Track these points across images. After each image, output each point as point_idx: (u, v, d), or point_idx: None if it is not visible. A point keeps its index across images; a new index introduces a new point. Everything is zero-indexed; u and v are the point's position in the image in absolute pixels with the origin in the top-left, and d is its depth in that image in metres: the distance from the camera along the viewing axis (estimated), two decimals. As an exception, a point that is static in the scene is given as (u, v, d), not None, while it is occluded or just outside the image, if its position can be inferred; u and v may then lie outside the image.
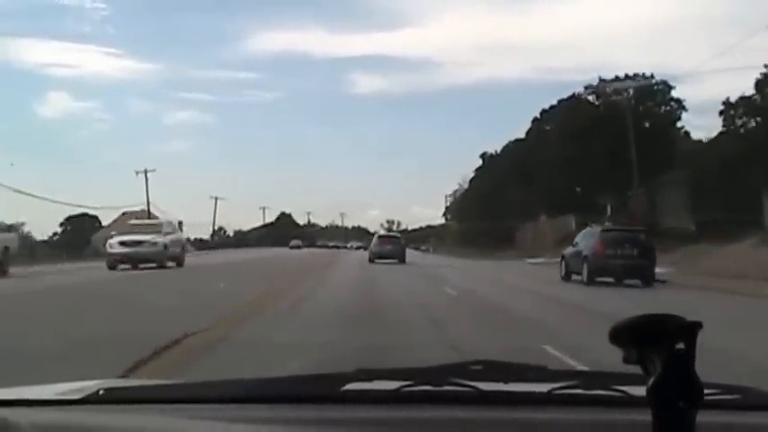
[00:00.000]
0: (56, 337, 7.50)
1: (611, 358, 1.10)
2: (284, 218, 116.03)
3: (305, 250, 67.34)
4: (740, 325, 10.83)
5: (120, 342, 7.08)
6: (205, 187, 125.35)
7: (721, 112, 41.59)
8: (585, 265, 20.90)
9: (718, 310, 13.46)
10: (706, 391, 0.99)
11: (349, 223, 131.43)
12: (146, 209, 64.22)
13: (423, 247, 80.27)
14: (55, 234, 76.05)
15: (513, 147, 61.64)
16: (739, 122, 41.04)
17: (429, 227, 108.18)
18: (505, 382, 1.57)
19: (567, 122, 49.60)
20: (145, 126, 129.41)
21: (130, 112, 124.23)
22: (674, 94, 50.63)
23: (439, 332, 9.17)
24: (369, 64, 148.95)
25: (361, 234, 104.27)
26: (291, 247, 72.30)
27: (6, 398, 1.55)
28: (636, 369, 1.00)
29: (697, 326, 0.96)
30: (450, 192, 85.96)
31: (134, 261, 24.64)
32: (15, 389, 1.66)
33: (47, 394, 1.61)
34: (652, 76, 49.68)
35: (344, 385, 1.57)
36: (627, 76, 49.64)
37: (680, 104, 50.85)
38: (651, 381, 0.96)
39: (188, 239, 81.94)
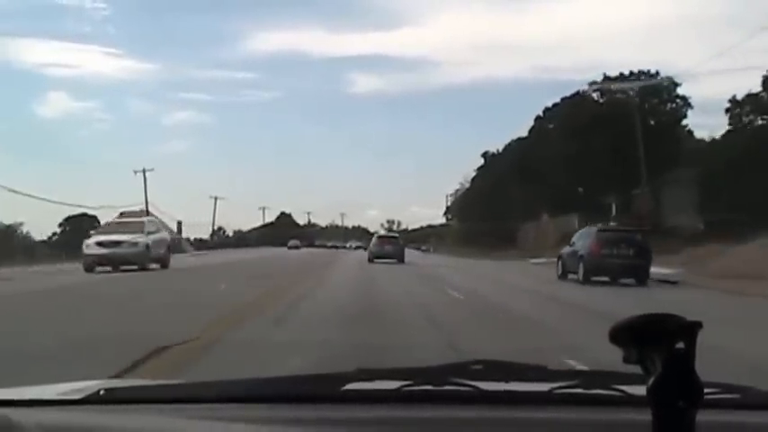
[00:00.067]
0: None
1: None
2: (284, 218, 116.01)
3: (303, 250, 67.20)
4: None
5: (71, 359, 6.11)
6: (204, 187, 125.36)
7: (727, 110, 41.40)
8: (581, 265, 21.19)
9: (740, 312, 13.26)
10: (706, 391, 1.00)
11: (349, 223, 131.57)
12: (145, 209, 64.30)
13: (423, 247, 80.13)
14: (54, 234, 76.00)
15: (515, 145, 61.07)
16: (746, 120, 40.81)
17: (429, 226, 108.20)
18: (506, 382, 1.58)
19: (571, 120, 48.94)
20: (144, 126, 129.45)
21: (130, 112, 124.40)
22: (678, 91, 49.68)
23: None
24: (366, 63, 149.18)
25: (361, 234, 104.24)
26: (290, 248, 71.80)
27: (7, 398, 1.56)
28: (636, 369, 1.01)
29: (697, 325, 0.97)
30: (451, 191, 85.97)
31: (112, 263, 22.86)
32: (16, 389, 1.67)
33: (48, 394, 1.62)
34: (657, 74, 48.68)
35: (345, 385, 1.58)
36: (632, 73, 48.76)
37: (685, 102, 49.83)
38: (651, 380, 0.97)
39: (188, 239, 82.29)
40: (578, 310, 13.13)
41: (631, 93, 48.04)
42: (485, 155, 69.66)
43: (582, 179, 46.35)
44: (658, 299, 15.93)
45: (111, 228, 25.03)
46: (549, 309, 13.26)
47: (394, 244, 35.90)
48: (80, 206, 74.68)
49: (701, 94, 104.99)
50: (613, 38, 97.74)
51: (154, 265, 24.03)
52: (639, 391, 1.06)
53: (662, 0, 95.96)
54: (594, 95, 51.84)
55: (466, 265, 33.66)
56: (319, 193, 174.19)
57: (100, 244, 23.33)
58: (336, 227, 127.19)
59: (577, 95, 52.57)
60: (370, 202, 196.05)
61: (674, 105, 50.14)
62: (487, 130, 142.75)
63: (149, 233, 24.42)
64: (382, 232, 61.10)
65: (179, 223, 78.72)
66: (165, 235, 26.57)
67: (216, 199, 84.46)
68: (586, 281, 20.72)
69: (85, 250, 23.54)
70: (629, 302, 14.04)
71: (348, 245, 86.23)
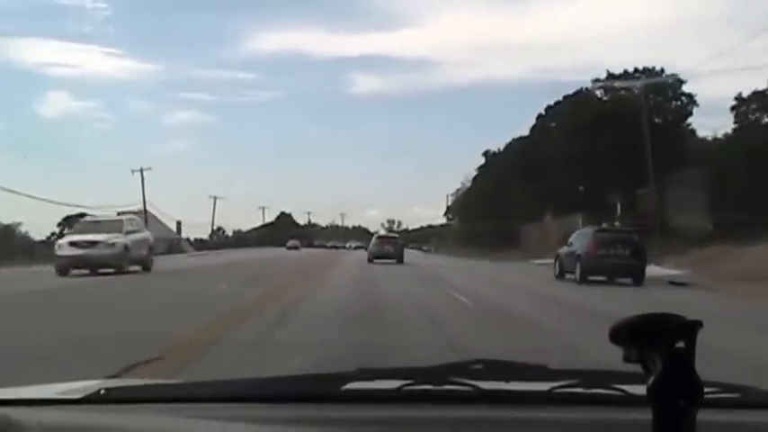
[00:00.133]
0: None
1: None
2: (284, 218, 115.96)
3: (303, 251, 67.05)
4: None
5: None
6: (205, 187, 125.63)
7: (733, 108, 41.25)
8: (578, 265, 21.55)
9: (758, 316, 12.95)
10: (706, 390, 1.00)
11: (349, 223, 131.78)
12: (145, 208, 64.24)
13: (425, 248, 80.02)
14: (53, 234, 76.00)
15: (517, 144, 60.67)
16: (752, 118, 40.59)
17: (430, 227, 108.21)
18: (506, 381, 1.59)
19: (574, 118, 48.32)
20: (145, 126, 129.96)
21: (130, 112, 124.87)
22: (683, 89, 49.04)
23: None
24: (367, 64, 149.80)
25: (362, 234, 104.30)
26: (288, 248, 71.29)
27: (7, 397, 1.57)
28: (636, 368, 1.01)
29: (697, 324, 0.98)
30: (452, 191, 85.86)
31: (88, 265, 21.03)
32: (16, 388, 1.67)
33: (48, 393, 1.62)
34: (662, 71, 48.08)
35: (345, 384, 1.59)
36: (636, 70, 48.22)
37: (691, 99, 49.30)
38: (651, 379, 0.98)
39: (188, 239, 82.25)
40: (600, 317, 12.74)
41: (636, 91, 47.68)
42: (486, 154, 69.41)
43: (585, 178, 45.89)
44: (672, 301, 15.29)
45: (88, 227, 23.12)
46: (573, 317, 12.48)
47: (393, 244, 36.31)
48: (78, 206, 74.82)
49: (702, 95, 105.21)
50: (614, 39, 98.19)
51: (136, 268, 22.48)
52: (640, 390, 1.07)
53: (662, 1, 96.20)
54: (598, 93, 51.36)
55: (468, 267, 33.49)
56: (320, 193, 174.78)
57: (73, 244, 21.60)
58: (337, 227, 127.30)
59: (580, 93, 52.00)
60: (370, 202, 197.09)
61: (678, 103, 49.52)
62: (488, 131, 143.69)
63: (128, 233, 22.70)
64: (382, 232, 61.17)
65: (178, 223, 78.83)
66: (146, 235, 24.68)
67: (215, 198, 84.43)
68: (583, 280, 21.06)
69: (58, 251, 21.78)
70: (643, 306, 13.38)
71: (348, 245, 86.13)
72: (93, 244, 21.35)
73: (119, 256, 21.59)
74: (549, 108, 56.09)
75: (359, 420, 1.47)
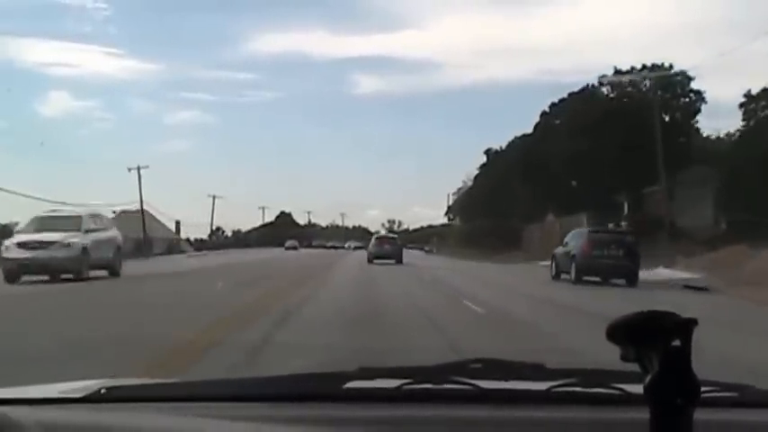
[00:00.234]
0: None
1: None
2: (284, 217, 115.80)
3: (302, 251, 66.81)
4: None
5: None
6: (205, 187, 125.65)
7: (741, 105, 41.02)
8: (573, 265, 22.03)
9: None
10: (703, 389, 1.02)
11: (349, 223, 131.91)
12: (142, 208, 64.16)
13: (426, 248, 79.86)
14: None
15: (520, 142, 59.85)
16: (761, 115, 40.25)
17: (430, 227, 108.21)
18: (505, 380, 1.61)
19: (580, 116, 47.45)
20: (145, 126, 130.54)
21: (131, 112, 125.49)
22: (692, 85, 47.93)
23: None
24: (369, 65, 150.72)
25: (362, 234, 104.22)
26: (287, 248, 70.78)
27: (8, 396, 1.57)
28: (634, 367, 1.02)
29: (692, 323, 0.99)
30: (453, 190, 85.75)
31: (39, 270, 17.97)
32: (17, 388, 1.68)
33: (49, 393, 1.63)
34: (671, 67, 47.00)
35: (345, 383, 1.60)
36: (644, 67, 47.24)
37: (699, 96, 48.34)
38: (648, 378, 0.99)
39: (187, 240, 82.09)
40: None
41: (644, 88, 47.15)
42: (488, 152, 69.00)
43: (591, 177, 44.89)
44: (696, 308, 14.04)
45: (42, 224, 19.38)
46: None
47: (392, 244, 37.00)
48: (77, 205, 74.73)
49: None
50: (615, 41, 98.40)
51: (101, 273, 19.55)
52: (637, 389, 1.08)
53: (664, 4, 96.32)
54: (605, 90, 50.62)
55: (472, 269, 33.13)
56: (320, 193, 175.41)
57: (22, 245, 18.31)
58: (337, 227, 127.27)
59: (586, 90, 51.30)
60: (371, 202, 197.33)
61: (687, 100, 48.70)
62: (489, 132, 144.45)
63: (89, 231, 19.29)
64: (383, 232, 61.21)
65: (177, 223, 78.73)
66: (112, 234, 21.16)
67: (214, 198, 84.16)
68: (578, 281, 21.53)
69: (4, 253, 18.41)
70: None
71: (347, 245, 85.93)
72: (44, 245, 18.16)
73: (75, 260, 18.36)
74: (553, 105, 55.16)
75: (359, 419, 1.48)
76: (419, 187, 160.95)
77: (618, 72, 48.40)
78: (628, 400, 1.46)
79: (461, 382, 1.57)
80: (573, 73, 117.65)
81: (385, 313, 11.75)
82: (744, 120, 41.19)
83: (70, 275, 18.04)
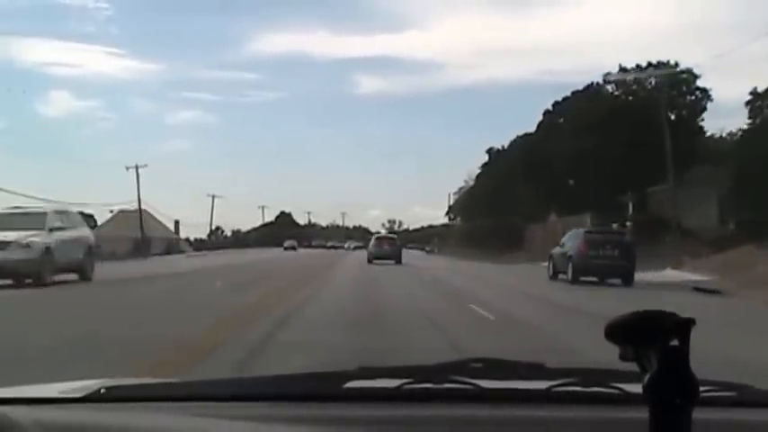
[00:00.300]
0: None
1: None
2: (284, 217, 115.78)
3: (301, 251, 66.66)
4: None
5: None
6: (206, 187, 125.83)
7: (748, 102, 40.94)
8: (570, 265, 22.38)
9: None
10: (702, 389, 1.03)
11: (350, 223, 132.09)
12: (145, 207, 64.15)
13: (427, 248, 79.81)
14: (49, 233, 75.84)
15: (522, 141, 59.75)
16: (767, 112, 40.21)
17: (431, 227, 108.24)
18: (505, 380, 1.63)
19: (584, 114, 47.29)
20: (147, 125, 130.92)
21: (133, 112, 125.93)
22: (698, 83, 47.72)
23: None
24: (371, 65, 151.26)
25: (362, 234, 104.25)
26: (286, 248, 70.36)
27: (7, 396, 1.57)
28: (634, 366, 1.03)
29: (691, 322, 1.00)
30: (454, 190, 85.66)
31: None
32: (17, 387, 1.68)
33: (49, 392, 1.63)
34: (677, 65, 46.64)
35: (346, 383, 1.61)
36: (650, 64, 47.07)
37: (705, 94, 48.23)
38: (647, 378, 1.00)
39: (187, 239, 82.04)
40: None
41: (649, 86, 46.88)
42: (489, 151, 68.86)
43: (595, 176, 44.67)
44: (716, 312, 13.56)
45: (0, 222, 17.27)
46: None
47: (392, 245, 37.54)
48: (75, 204, 74.77)
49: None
50: (617, 42, 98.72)
51: (69, 276, 17.66)
52: (636, 388, 1.09)
53: (664, 4, 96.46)
54: (609, 88, 50.55)
55: (474, 270, 32.81)
56: (321, 193, 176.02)
57: None
58: (337, 227, 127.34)
59: (591, 88, 51.09)
60: (372, 202, 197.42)
61: (693, 98, 48.61)
62: (490, 133, 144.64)
63: (55, 230, 17.27)
64: (383, 232, 61.30)
65: (176, 223, 78.76)
66: (82, 233, 19.05)
67: (213, 198, 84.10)
68: (575, 281, 21.86)
69: None
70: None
71: (346, 245, 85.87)
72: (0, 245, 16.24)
73: (35, 262, 16.29)
74: (556, 104, 54.90)
75: (359, 419, 1.49)
76: (420, 187, 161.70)
77: (623, 70, 48.18)
78: (627, 399, 1.47)
79: (462, 382, 1.58)
80: (574, 73, 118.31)
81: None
82: (750, 118, 41.07)
83: (31, 280, 16.00)
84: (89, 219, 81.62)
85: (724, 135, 49.22)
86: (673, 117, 44.26)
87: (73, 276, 17.82)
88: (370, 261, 34.27)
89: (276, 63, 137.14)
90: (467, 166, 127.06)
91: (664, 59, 47.08)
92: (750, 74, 71.75)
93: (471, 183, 75.52)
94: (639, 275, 23.05)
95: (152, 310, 11.88)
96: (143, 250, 53.98)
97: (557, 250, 24.36)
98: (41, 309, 12.02)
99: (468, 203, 74.47)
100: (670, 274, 24.46)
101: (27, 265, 16.19)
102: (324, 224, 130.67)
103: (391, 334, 9.26)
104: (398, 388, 1.57)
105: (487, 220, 59.66)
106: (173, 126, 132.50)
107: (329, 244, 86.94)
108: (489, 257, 46.13)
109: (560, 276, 23.26)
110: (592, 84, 51.31)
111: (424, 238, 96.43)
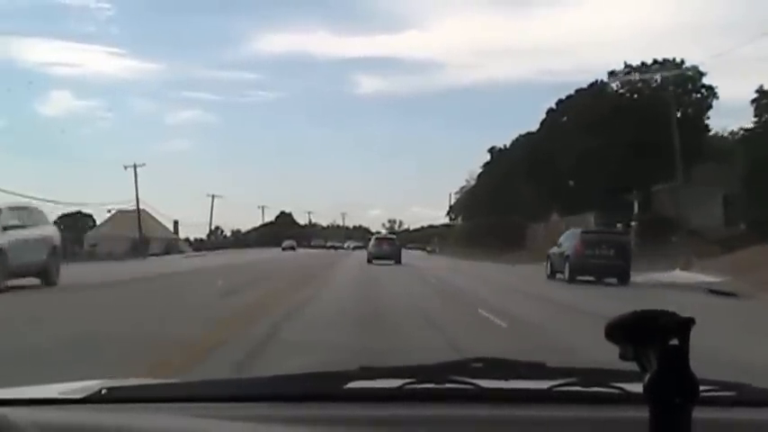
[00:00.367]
0: None
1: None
2: (284, 217, 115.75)
3: (300, 251, 66.51)
4: None
5: None
6: (206, 187, 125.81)
7: (754, 100, 40.81)
8: (567, 265, 22.85)
9: None
10: (702, 388, 1.04)
11: (350, 223, 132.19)
12: (144, 207, 64.11)
13: (428, 248, 79.68)
14: (47, 234, 75.85)
15: (524, 140, 59.59)
16: None
17: (431, 227, 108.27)
18: (506, 380, 1.63)
19: (588, 112, 47.00)
20: (147, 125, 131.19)
21: (133, 112, 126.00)
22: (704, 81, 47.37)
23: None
24: (371, 65, 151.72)
25: (363, 234, 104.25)
26: (284, 248, 69.88)
27: (8, 397, 1.58)
28: (634, 366, 1.04)
29: (690, 322, 1.01)
30: (455, 189, 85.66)
31: None
32: (17, 388, 1.68)
33: (49, 393, 1.63)
34: (682, 62, 46.73)
35: (346, 383, 1.62)
36: (655, 62, 47.07)
37: (711, 92, 47.98)
38: (647, 377, 1.00)
39: (187, 240, 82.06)
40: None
41: (654, 84, 46.66)
42: (491, 150, 68.78)
43: (599, 175, 44.37)
44: (738, 317, 13.24)
45: None
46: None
47: (391, 245, 38.11)
48: (73, 204, 74.79)
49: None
50: (617, 42, 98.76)
51: (32, 281, 15.80)
52: (637, 388, 1.10)
53: (665, 4, 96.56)
54: (614, 86, 50.32)
55: (476, 270, 32.52)
56: (321, 192, 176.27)
57: None
58: (337, 227, 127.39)
59: (595, 86, 50.92)
60: (372, 202, 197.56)
61: (698, 96, 48.37)
62: (490, 132, 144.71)
63: (10, 228, 15.39)
64: (383, 232, 61.40)
65: (175, 222, 78.82)
66: (44, 232, 16.94)
67: (213, 198, 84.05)
68: (572, 280, 22.28)
69: None
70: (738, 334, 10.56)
71: (346, 245, 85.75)
72: None
73: None
74: (560, 102, 54.58)
75: (360, 419, 1.50)
76: (420, 187, 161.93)
77: (628, 68, 48.12)
78: (627, 399, 1.48)
79: (462, 382, 1.59)
80: (574, 73, 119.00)
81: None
82: (756, 116, 40.90)
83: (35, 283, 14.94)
84: (87, 218, 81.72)
85: (725, 134, 49.13)
86: (678, 115, 43.87)
87: (35, 281, 15.87)
88: (369, 261, 34.53)
89: (276, 63, 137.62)
90: (467, 165, 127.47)
91: (665, 58, 47.04)
92: (750, 73, 71.76)
93: (473, 182, 75.56)
94: (648, 276, 23.26)
95: (112, 324, 9.35)
96: (141, 250, 53.95)
97: (554, 250, 24.77)
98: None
99: (470, 203, 74.46)
100: (680, 275, 24.13)
101: None
102: (324, 224, 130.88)
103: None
104: (399, 388, 1.58)
105: (489, 219, 59.57)
106: (173, 126, 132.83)
107: (328, 244, 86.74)
108: (491, 257, 46.04)
109: (558, 276, 23.60)
110: (596, 81, 51.27)
111: (425, 237, 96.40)
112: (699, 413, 1.03)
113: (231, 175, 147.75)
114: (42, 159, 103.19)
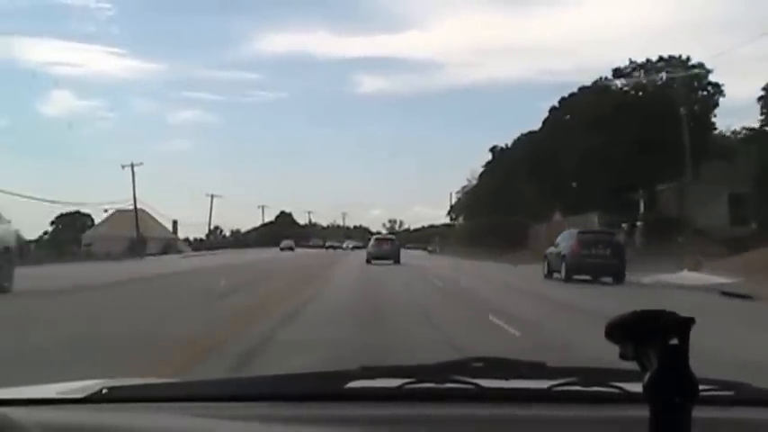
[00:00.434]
0: None
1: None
2: (284, 217, 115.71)
3: (298, 251, 66.38)
4: None
5: None
6: (206, 187, 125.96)
7: (760, 98, 40.71)
8: (564, 264, 23.42)
9: None
10: (701, 387, 1.05)
11: (351, 223, 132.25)
12: (143, 207, 64.12)
13: (429, 248, 79.55)
14: (45, 233, 76.01)
15: (527, 139, 59.30)
16: None
17: (432, 226, 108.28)
18: (506, 379, 1.65)
19: (593, 110, 46.39)
20: (148, 125, 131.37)
21: (134, 111, 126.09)
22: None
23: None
24: (371, 65, 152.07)
25: (363, 234, 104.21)
26: (282, 249, 69.57)
27: (8, 397, 1.59)
28: (634, 365, 1.05)
29: (690, 321, 1.02)
30: (456, 189, 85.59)
31: None
32: (17, 388, 1.69)
33: (49, 393, 1.64)
34: (688, 59, 46.54)
35: (347, 383, 1.64)
36: (660, 59, 46.89)
37: (718, 89, 47.62)
38: (647, 376, 1.01)
39: (186, 239, 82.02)
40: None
41: (659, 81, 46.48)
42: (493, 149, 68.65)
43: (602, 174, 43.93)
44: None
45: None
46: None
47: (391, 245, 38.46)
48: (70, 204, 74.79)
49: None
50: (617, 41, 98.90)
51: None
52: (637, 387, 1.11)
53: (665, 4, 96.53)
54: (618, 83, 49.96)
55: (477, 269, 32.48)
56: (322, 192, 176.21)
57: None
58: (338, 227, 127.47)
59: (598, 83, 50.58)
60: (373, 201, 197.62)
61: (704, 94, 48.13)
62: (490, 132, 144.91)
63: None
64: (384, 232, 61.46)
65: (174, 222, 78.80)
66: (4, 232, 14.75)
67: (212, 197, 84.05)
68: (568, 279, 22.83)
69: None
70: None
71: (345, 245, 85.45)
72: None
73: None
74: (563, 100, 54.11)
75: (361, 418, 1.51)
76: (421, 187, 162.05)
77: (633, 64, 47.91)
78: (627, 398, 1.49)
79: (463, 381, 1.60)
80: (574, 72, 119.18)
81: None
82: (762, 114, 40.80)
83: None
84: (85, 218, 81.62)
85: (728, 134, 49.00)
86: (684, 112, 43.38)
87: None
88: (368, 261, 34.70)
89: (277, 63, 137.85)
90: (467, 165, 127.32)
91: (671, 55, 46.86)
92: (752, 72, 71.63)
93: (474, 182, 75.47)
94: (655, 277, 23.09)
95: (55, 351, 7.16)
96: (138, 250, 53.91)
97: (551, 250, 25.37)
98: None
99: (472, 202, 74.38)
100: (689, 276, 23.56)
101: None
102: (324, 224, 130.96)
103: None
104: (400, 387, 1.59)
105: (491, 219, 59.45)
106: (173, 126, 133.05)
107: (327, 244, 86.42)
108: (492, 257, 45.91)
109: (555, 275, 24.05)
110: (600, 79, 50.92)
111: (425, 237, 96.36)
112: (698, 412, 1.04)
113: (231, 174, 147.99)
114: (43, 159, 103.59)
